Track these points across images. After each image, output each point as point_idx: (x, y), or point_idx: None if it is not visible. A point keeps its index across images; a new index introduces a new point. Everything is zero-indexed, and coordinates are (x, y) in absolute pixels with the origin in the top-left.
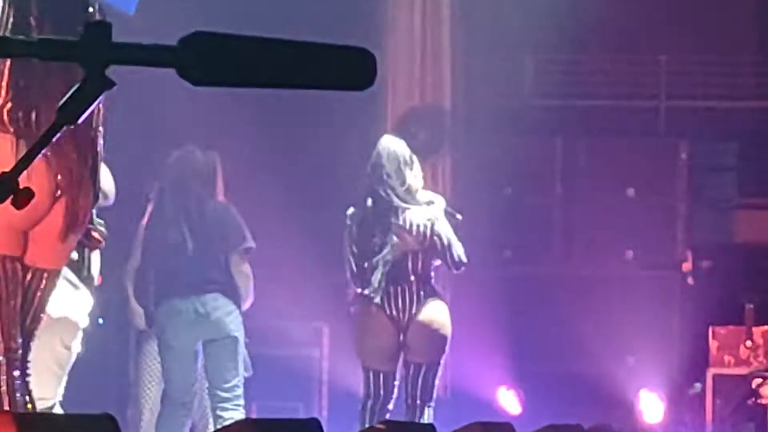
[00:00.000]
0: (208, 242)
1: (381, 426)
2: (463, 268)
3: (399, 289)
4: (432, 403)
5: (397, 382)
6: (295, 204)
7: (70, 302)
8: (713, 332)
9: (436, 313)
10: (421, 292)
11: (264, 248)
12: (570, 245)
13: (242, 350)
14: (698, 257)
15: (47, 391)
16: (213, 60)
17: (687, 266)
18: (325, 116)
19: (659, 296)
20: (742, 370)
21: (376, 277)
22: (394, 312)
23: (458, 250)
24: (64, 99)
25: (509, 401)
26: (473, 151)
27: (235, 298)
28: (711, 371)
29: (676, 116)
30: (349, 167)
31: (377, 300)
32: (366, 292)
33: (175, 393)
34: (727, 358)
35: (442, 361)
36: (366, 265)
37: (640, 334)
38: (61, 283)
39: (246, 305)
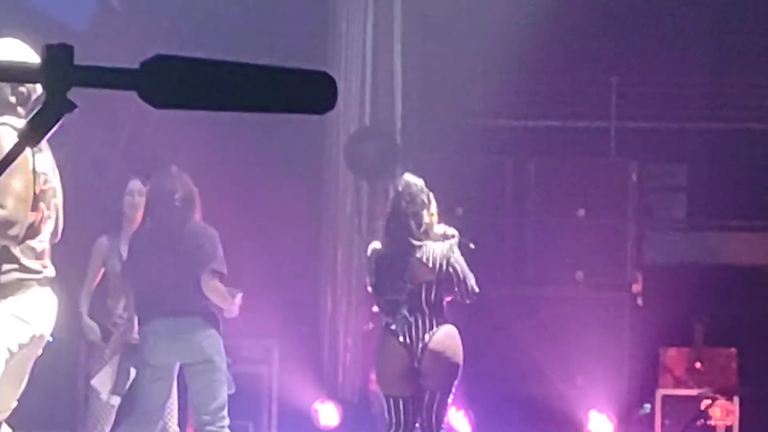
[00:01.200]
0: (189, 263)
1: None
2: (475, 297)
3: (413, 318)
4: (443, 429)
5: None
6: (246, 221)
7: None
8: (663, 353)
9: (448, 340)
10: (434, 321)
11: None
12: (520, 266)
13: (223, 371)
14: (648, 278)
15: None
16: (174, 83)
17: (637, 287)
18: (275, 134)
19: (609, 317)
20: (692, 391)
21: (400, 313)
22: (408, 340)
23: (471, 281)
24: (27, 121)
25: (460, 422)
26: (424, 171)
27: (214, 320)
28: (660, 392)
29: (627, 137)
30: (301, 185)
31: (393, 328)
32: (386, 323)
33: (145, 409)
34: (676, 379)
35: (454, 388)
36: (386, 298)
37: (590, 355)
38: None
39: (231, 314)
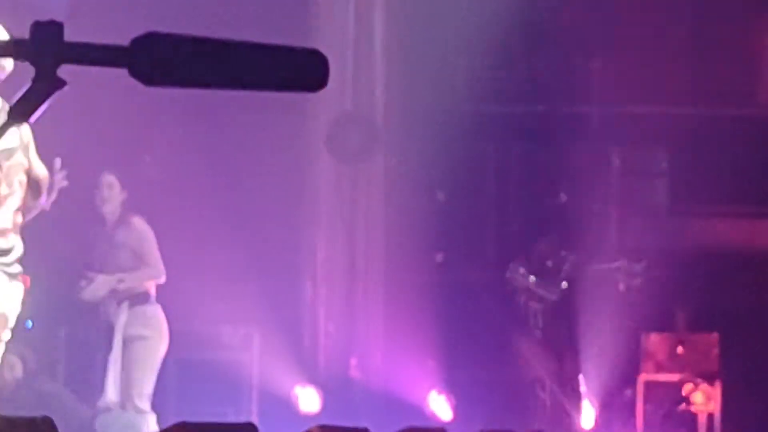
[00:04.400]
0: None
1: (316, 430)
2: None
3: None
4: None
5: None
6: (226, 207)
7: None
8: (644, 338)
9: None
10: None
11: (195, 252)
12: (503, 250)
13: None
14: (630, 263)
15: None
16: (165, 60)
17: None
18: (256, 120)
19: (592, 302)
20: (674, 377)
21: None
22: None
23: None
24: (16, 98)
25: (440, 406)
26: (406, 156)
27: None
28: (642, 377)
29: (609, 122)
30: (282, 170)
31: None
32: None
33: None
34: (658, 364)
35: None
36: None
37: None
38: None
39: None
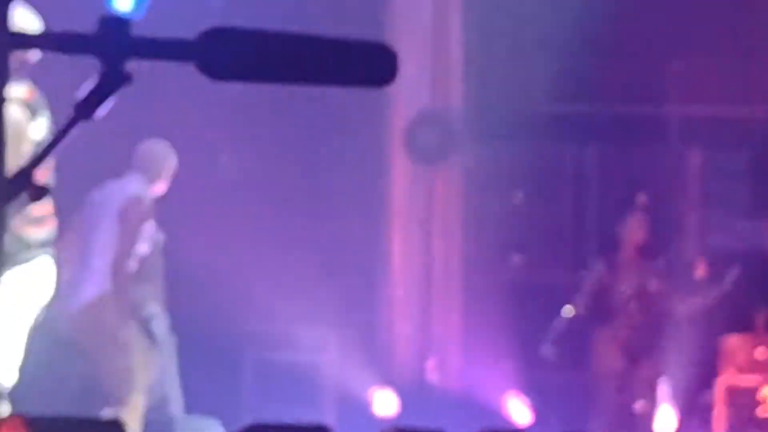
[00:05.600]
0: None
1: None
2: None
3: None
4: None
5: None
6: (302, 208)
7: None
8: (724, 341)
9: None
10: None
11: (272, 253)
12: (580, 251)
13: None
14: (709, 265)
15: None
16: (232, 55)
17: (699, 274)
18: (333, 118)
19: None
20: (753, 380)
21: None
22: None
23: None
24: (82, 93)
25: (519, 408)
26: (484, 156)
27: None
28: (721, 380)
29: (689, 123)
30: (358, 171)
31: None
32: None
33: None
34: (737, 366)
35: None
36: None
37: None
38: None
39: None
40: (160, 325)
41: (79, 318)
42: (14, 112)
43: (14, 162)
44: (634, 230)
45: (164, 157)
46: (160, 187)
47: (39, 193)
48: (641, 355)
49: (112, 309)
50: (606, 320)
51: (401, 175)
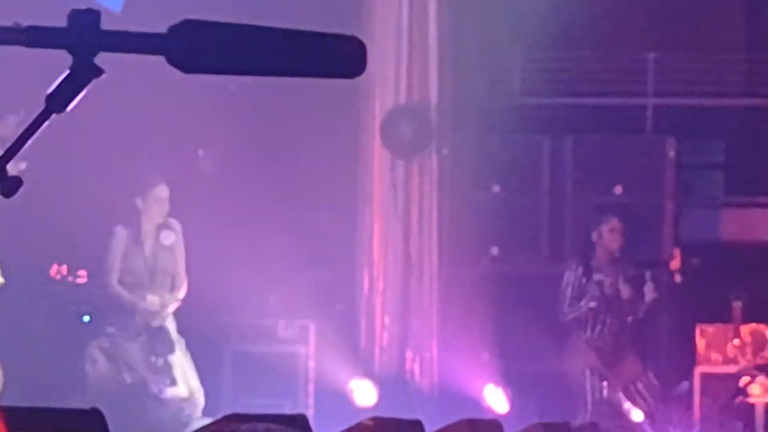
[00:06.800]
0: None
1: (368, 422)
2: None
3: None
4: None
5: None
6: (282, 201)
7: None
8: (701, 330)
9: None
10: None
11: (251, 246)
12: (557, 243)
13: None
14: (686, 255)
15: None
16: (203, 47)
17: (675, 264)
18: (311, 112)
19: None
20: (730, 369)
21: None
22: None
23: None
24: (53, 87)
25: (496, 399)
26: (460, 149)
27: None
28: (699, 369)
29: (664, 114)
30: (336, 164)
31: None
32: None
33: None
34: (714, 356)
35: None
36: None
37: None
38: None
39: None
40: None
41: None
42: None
43: None
44: (607, 239)
45: None
46: None
47: (12, 187)
48: (616, 358)
49: None
50: (580, 325)
51: (379, 168)
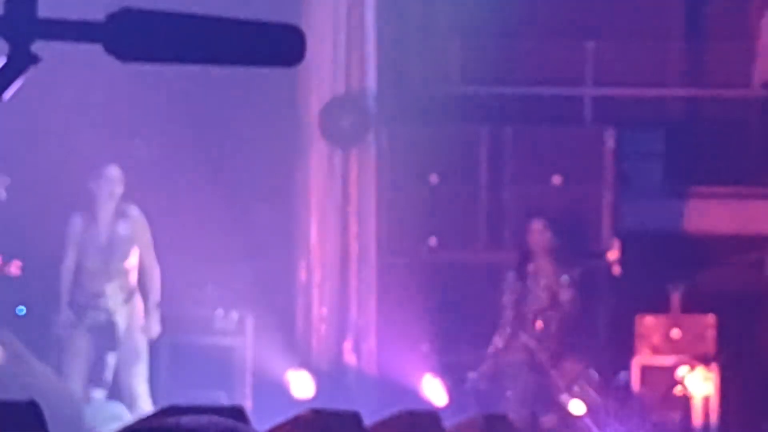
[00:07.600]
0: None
1: (307, 414)
2: None
3: None
4: None
5: None
6: (218, 191)
7: None
8: (639, 321)
9: None
10: None
11: (188, 236)
12: (496, 233)
13: None
14: (624, 246)
15: None
16: (141, 36)
17: (612, 255)
18: (248, 102)
19: (585, 285)
20: (669, 360)
21: None
22: None
23: None
24: None
25: (434, 390)
26: (399, 138)
27: None
28: (637, 360)
29: (603, 104)
30: (274, 154)
31: None
32: None
33: None
34: (653, 347)
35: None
36: None
37: None
38: None
39: None
40: None
41: None
42: None
43: None
44: (537, 239)
45: None
46: None
47: None
48: (556, 360)
49: None
50: (519, 328)
51: (317, 158)
